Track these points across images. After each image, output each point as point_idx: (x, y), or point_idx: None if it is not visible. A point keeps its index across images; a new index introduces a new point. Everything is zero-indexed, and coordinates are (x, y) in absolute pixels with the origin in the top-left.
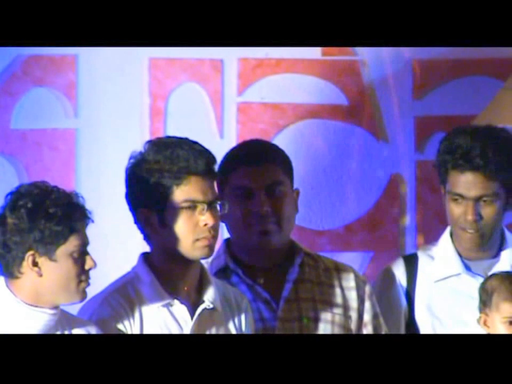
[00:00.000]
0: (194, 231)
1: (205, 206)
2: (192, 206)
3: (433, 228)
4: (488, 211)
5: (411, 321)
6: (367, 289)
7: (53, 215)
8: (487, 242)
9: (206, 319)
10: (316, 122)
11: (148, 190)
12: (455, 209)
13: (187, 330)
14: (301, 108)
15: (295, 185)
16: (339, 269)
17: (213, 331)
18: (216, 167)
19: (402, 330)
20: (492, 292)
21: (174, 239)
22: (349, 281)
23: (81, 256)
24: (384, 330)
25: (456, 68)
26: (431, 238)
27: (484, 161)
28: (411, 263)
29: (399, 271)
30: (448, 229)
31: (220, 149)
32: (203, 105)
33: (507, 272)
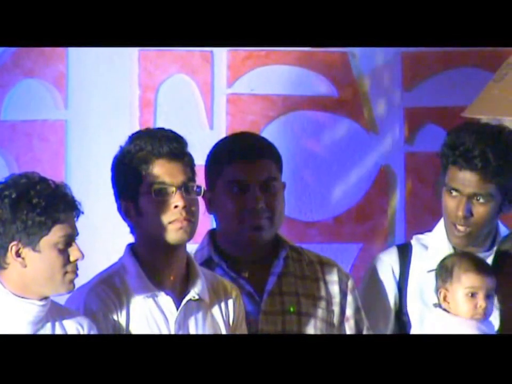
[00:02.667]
0: (166, 214)
1: (174, 189)
2: (163, 189)
3: (422, 219)
4: (479, 210)
5: (401, 310)
6: (350, 283)
7: (35, 206)
8: (474, 241)
9: (192, 310)
10: (305, 114)
11: (123, 181)
12: (449, 203)
13: (172, 321)
14: (290, 100)
15: (285, 177)
16: (322, 263)
17: (200, 322)
18: (185, 151)
19: (392, 319)
20: (452, 266)
21: (149, 226)
22: (332, 275)
23: (66, 247)
24: (365, 325)
25: (445, 59)
26: (421, 229)
27: (482, 164)
28: (404, 252)
29: (392, 259)
30: (442, 219)
31: (209, 140)
32: (193, 96)
33: (463, 252)
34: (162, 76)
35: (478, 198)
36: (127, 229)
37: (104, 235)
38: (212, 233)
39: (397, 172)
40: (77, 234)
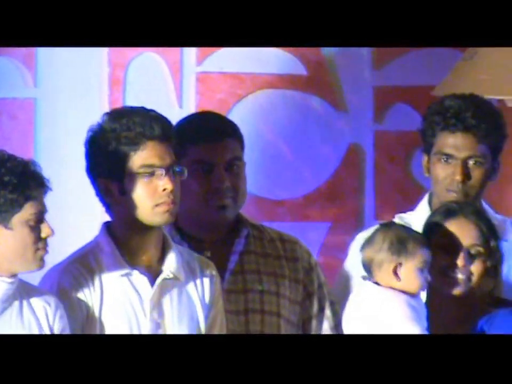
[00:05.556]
0: (153, 196)
1: (163, 171)
2: (151, 171)
3: (391, 198)
4: (476, 173)
5: None
6: (312, 260)
7: (7, 183)
8: None
9: (168, 288)
10: (274, 92)
11: (106, 159)
12: (442, 171)
13: (147, 300)
14: (259, 78)
15: (253, 155)
16: (283, 240)
17: (175, 301)
18: (173, 133)
19: None
20: (404, 240)
21: (133, 206)
22: (293, 252)
23: (37, 224)
24: (328, 300)
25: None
26: (390, 208)
27: (476, 121)
28: None
29: None
30: (426, 197)
31: (178, 118)
32: (162, 75)
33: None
34: (132, 54)
35: (474, 160)
36: (97, 207)
37: (74, 212)
38: None
39: (366, 150)
40: (46, 211)
